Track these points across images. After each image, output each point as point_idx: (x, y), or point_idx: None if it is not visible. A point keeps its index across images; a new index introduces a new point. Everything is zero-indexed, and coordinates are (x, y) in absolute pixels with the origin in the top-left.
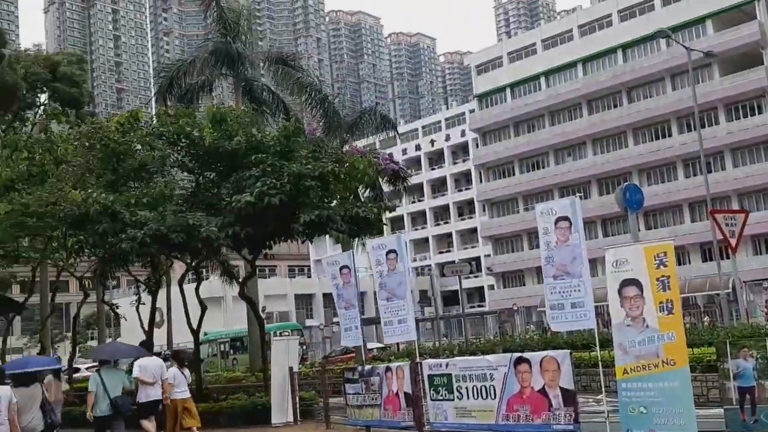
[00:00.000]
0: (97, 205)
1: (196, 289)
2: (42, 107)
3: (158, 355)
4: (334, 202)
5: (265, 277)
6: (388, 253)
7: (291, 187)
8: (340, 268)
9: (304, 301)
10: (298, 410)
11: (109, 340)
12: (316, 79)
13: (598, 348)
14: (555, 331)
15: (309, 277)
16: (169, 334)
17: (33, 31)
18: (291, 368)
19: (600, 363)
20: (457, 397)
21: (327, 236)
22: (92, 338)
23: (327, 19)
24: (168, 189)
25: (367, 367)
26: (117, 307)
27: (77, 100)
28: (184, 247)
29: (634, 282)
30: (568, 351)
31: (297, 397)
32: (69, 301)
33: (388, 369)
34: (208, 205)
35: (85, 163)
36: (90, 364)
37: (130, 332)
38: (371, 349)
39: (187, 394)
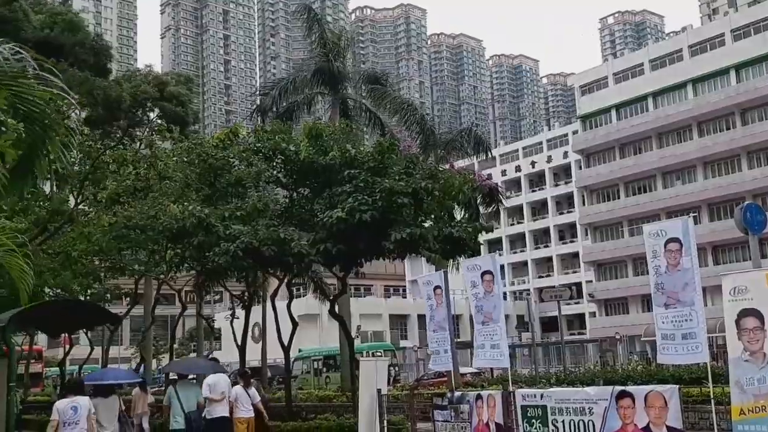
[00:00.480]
0: (193, 218)
1: (288, 306)
2: (149, 124)
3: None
4: (429, 222)
5: (361, 296)
6: (483, 274)
7: (383, 203)
8: (434, 288)
9: (398, 321)
10: None
11: (205, 353)
12: (414, 100)
13: (710, 384)
14: (661, 363)
15: (404, 297)
16: (263, 350)
17: (150, 56)
18: (379, 390)
19: (712, 399)
20: (553, 431)
21: (423, 257)
22: (194, 350)
23: (429, 42)
24: (261, 203)
25: (457, 393)
26: (213, 321)
27: (183, 119)
28: (275, 261)
29: (754, 312)
30: (677, 386)
31: (385, 421)
32: (174, 314)
33: (478, 397)
34: (301, 220)
35: (184, 178)
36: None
37: (231, 346)
38: (465, 374)
39: (251, 414)
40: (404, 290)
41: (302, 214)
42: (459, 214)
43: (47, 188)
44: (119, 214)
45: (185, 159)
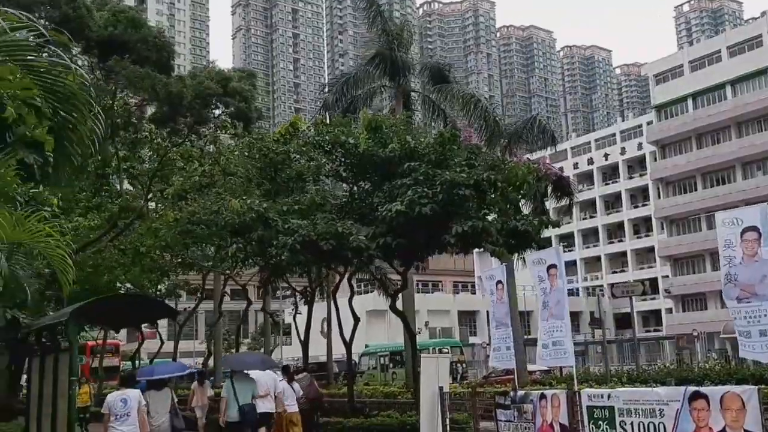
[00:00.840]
0: (252, 213)
1: (350, 301)
2: (214, 120)
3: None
4: (492, 216)
5: (429, 292)
6: (549, 268)
7: (444, 196)
8: (496, 283)
9: (467, 317)
10: None
11: (275, 348)
12: (482, 94)
13: None
14: (743, 357)
15: (473, 293)
16: (329, 346)
17: (222, 57)
18: (441, 388)
19: None
20: None
21: (487, 251)
22: (276, 345)
23: (498, 34)
24: (319, 197)
25: (520, 392)
26: (278, 316)
27: (246, 115)
28: (334, 255)
29: None
30: (756, 387)
31: (447, 420)
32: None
33: (542, 396)
34: (361, 214)
35: (246, 173)
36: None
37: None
38: (533, 372)
39: (295, 408)
40: (473, 286)
41: (362, 208)
42: (525, 207)
43: (116, 186)
44: (184, 209)
45: (246, 154)
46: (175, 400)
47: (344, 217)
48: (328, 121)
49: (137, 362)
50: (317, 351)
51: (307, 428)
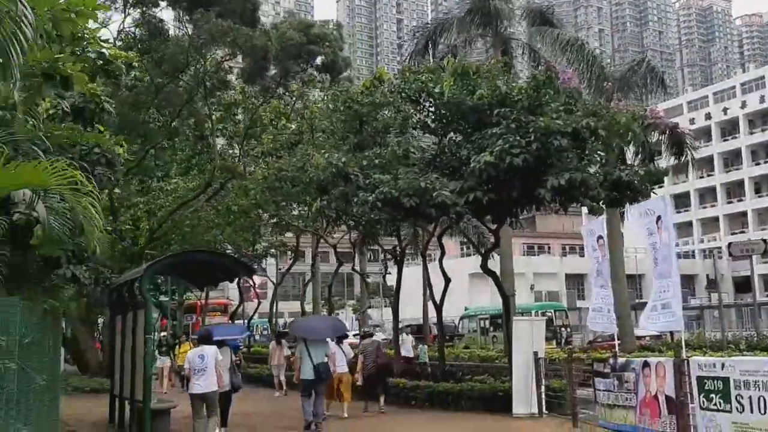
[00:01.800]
0: (332, 168)
1: (440, 261)
2: (300, 74)
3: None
4: (593, 168)
5: (534, 255)
6: (657, 220)
7: (538, 145)
8: (597, 239)
9: (575, 281)
10: (543, 401)
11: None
12: (593, 48)
13: None
14: None
15: (582, 256)
16: (424, 308)
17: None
18: (535, 353)
19: None
20: (737, 408)
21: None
22: (371, 306)
23: None
24: (401, 149)
25: (621, 359)
26: (368, 277)
27: (333, 65)
28: (417, 212)
29: None
30: None
31: (543, 387)
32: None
33: (645, 364)
34: (451, 168)
35: (329, 127)
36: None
37: (405, 302)
38: (642, 337)
39: (345, 369)
40: (582, 249)
41: (451, 161)
42: (631, 159)
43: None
44: (271, 166)
45: (331, 107)
46: (234, 359)
47: (433, 171)
48: (412, 68)
49: (244, 321)
50: (418, 313)
51: (375, 391)
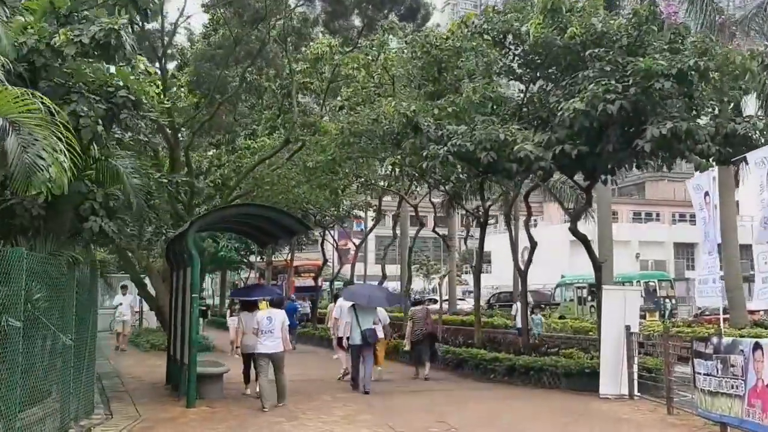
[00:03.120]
0: (401, 117)
1: (526, 223)
2: (382, 22)
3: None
4: (704, 119)
5: (641, 222)
6: None
7: (637, 90)
8: (704, 195)
9: (684, 250)
10: (635, 382)
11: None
12: None
13: None
14: None
15: (693, 224)
16: (519, 273)
17: None
18: (627, 327)
19: None
20: None
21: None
22: (466, 272)
23: None
24: (477, 95)
25: (725, 340)
26: (450, 239)
27: (415, 14)
28: (495, 168)
29: None
30: None
31: (634, 366)
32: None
33: (757, 346)
34: (538, 119)
35: (406, 74)
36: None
37: (502, 269)
38: (756, 311)
39: (380, 334)
40: (693, 217)
41: (539, 111)
42: (755, 109)
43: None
44: (343, 120)
45: (406, 52)
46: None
47: (519, 122)
48: (497, 6)
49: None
50: (514, 281)
51: (422, 358)
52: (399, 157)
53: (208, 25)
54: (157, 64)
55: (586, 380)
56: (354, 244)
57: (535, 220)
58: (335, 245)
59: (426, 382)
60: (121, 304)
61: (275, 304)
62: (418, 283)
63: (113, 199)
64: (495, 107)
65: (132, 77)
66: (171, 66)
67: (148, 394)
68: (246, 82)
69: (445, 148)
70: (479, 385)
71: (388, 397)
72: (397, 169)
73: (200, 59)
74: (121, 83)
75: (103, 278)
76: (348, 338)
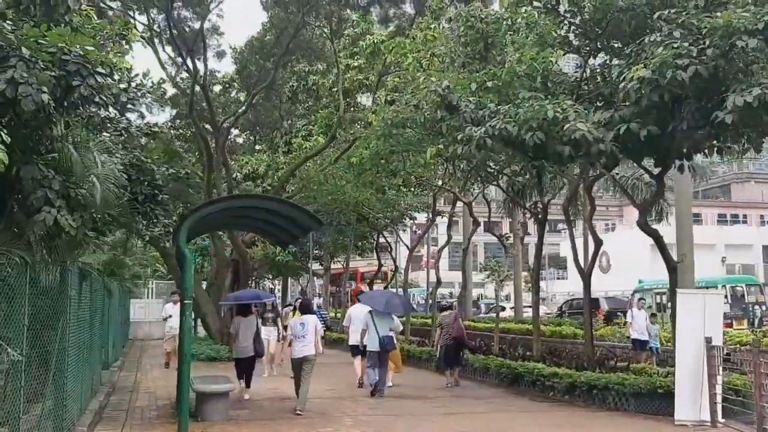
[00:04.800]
0: (433, 96)
1: (589, 218)
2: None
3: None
4: None
5: (726, 224)
6: None
7: (715, 51)
8: None
9: None
10: (718, 405)
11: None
12: None
13: None
14: None
15: None
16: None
17: None
18: (709, 339)
19: None
20: None
21: None
22: (541, 278)
23: None
24: (524, 66)
25: None
26: (507, 239)
27: None
28: (543, 151)
29: None
30: None
31: (717, 386)
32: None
33: None
34: (599, 97)
35: (449, 53)
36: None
37: (574, 274)
38: None
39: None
40: None
41: (600, 88)
42: None
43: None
44: (383, 111)
45: (446, 25)
46: (260, 326)
47: (578, 102)
48: None
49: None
50: (592, 286)
51: (451, 362)
52: (441, 145)
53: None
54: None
55: (659, 402)
56: (407, 246)
57: (614, 224)
58: (405, 248)
59: (471, 401)
60: (170, 316)
61: (305, 308)
62: (490, 290)
63: (75, 188)
64: (546, 82)
65: (95, 41)
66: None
67: (149, 415)
68: (302, 80)
69: (483, 130)
70: (533, 406)
71: (421, 420)
72: (441, 161)
73: (246, 50)
74: (79, 50)
75: (118, 284)
76: (364, 345)
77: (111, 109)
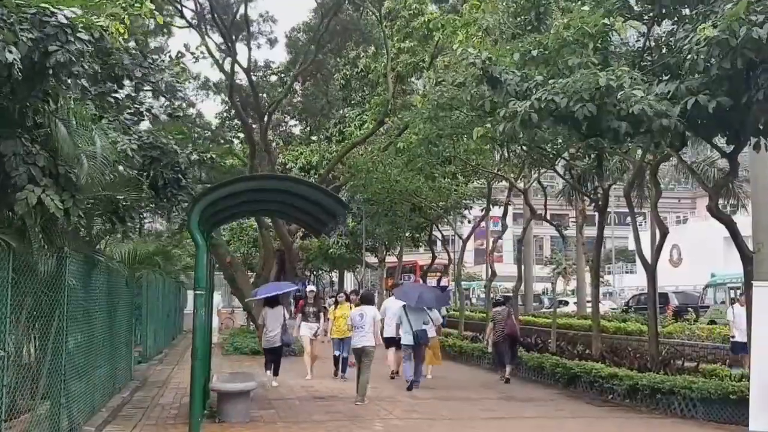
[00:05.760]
0: (474, 69)
1: (654, 205)
2: None
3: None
4: None
5: None
6: None
7: None
8: None
9: None
10: None
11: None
12: None
13: None
14: None
15: None
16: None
17: None
18: None
19: None
20: None
21: None
22: (608, 272)
23: None
24: (572, 32)
25: None
26: (564, 229)
27: None
28: (597, 127)
29: None
30: None
31: None
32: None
33: None
34: (664, 68)
35: (497, 24)
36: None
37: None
38: None
39: (432, 334)
40: None
41: (666, 58)
42: None
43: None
44: (430, 93)
45: None
46: (287, 317)
47: (643, 73)
48: None
49: (439, 282)
50: (662, 281)
51: (503, 359)
52: (488, 125)
53: None
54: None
55: (731, 409)
56: (460, 238)
57: (686, 216)
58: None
59: (519, 404)
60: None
61: (364, 300)
62: (559, 285)
63: (66, 167)
64: (602, 51)
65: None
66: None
67: (168, 413)
68: (354, 66)
69: (528, 104)
70: (588, 411)
71: (459, 427)
72: (492, 144)
73: (294, 35)
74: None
75: (163, 275)
76: (399, 337)
77: (127, 87)
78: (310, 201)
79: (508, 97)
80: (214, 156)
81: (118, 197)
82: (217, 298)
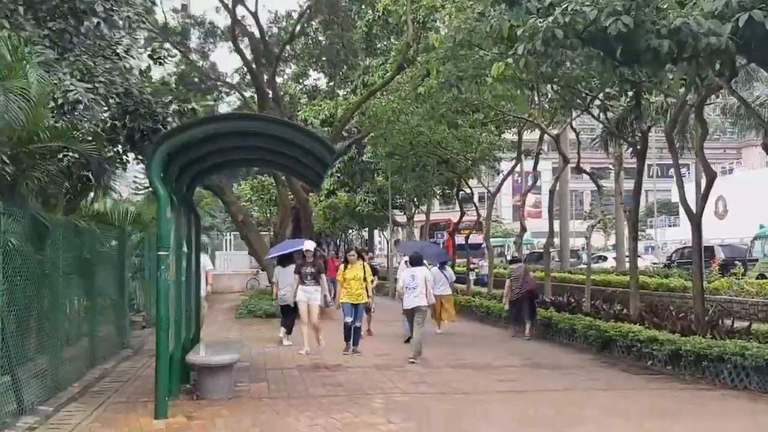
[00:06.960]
0: None
1: (700, 146)
2: None
3: None
4: None
5: None
6: None
7: None
8: None
9: None
10: None
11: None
12: None
13: None
14: None
15: None
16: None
17: None
18: None
19: None
20: None
21: None
22: (650, 226)
23: None
24: None
25: None
26: (599, 178)
27: None
28: (634, 48)
29: None
30: None
31: None
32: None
33: None
34: None
35: None
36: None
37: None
38: None
39: (447, 291)
40: None
41: None
42: None
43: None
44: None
45: None
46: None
47: None
48: None
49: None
50: (707, 233)
51: (521, 316)
52: (510, 60)
53: None
54: None
55: None
56: (488, 191)
57: (732, 167)
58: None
59: (546, 373)
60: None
61: (415, 262)
62: (598, 240)
63: None
64: None
65: None
66: None
67: (144, 388)
68: (375, 10)
69: (551, 19)
70: (624, 381)
71: (471, 403)
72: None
73: None
74: None
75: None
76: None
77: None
78: (296, 146)
79: (528, 17)
80: (195, 107)
81: (88, 151)
82: (204, 259)
